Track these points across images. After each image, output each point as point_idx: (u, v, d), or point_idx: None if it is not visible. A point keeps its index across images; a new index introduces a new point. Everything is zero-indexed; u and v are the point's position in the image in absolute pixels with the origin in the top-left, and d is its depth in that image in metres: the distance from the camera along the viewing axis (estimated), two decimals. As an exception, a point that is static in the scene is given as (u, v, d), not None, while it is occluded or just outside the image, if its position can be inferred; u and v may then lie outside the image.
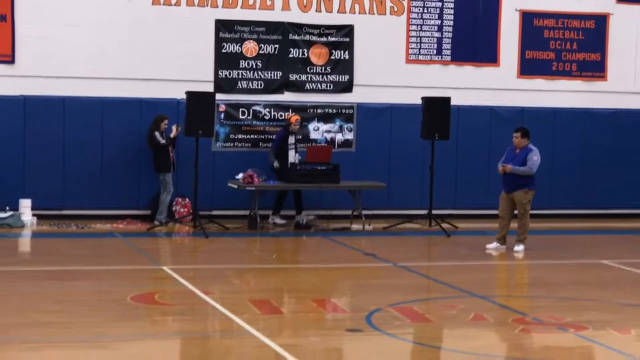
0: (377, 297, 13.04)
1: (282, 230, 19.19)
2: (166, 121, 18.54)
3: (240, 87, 19.92)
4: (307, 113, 19.97)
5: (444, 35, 20.74)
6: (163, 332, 11.38)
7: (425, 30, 20.65)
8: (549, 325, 11.82)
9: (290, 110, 19.90)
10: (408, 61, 20.56)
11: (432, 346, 11.12)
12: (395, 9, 20.45)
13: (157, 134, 18.38)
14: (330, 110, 20.27)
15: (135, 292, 12.88)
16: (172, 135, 18.54)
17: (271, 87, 20.09)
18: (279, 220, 19.55)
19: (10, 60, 18.78)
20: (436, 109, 19.17)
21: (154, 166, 18.58)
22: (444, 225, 18.94)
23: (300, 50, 20.14)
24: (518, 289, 15.10)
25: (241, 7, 19.79)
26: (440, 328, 11.85)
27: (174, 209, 19.14)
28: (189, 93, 18.35)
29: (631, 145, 21.22)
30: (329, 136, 20.19)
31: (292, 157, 19.14)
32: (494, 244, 16.94)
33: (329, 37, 20.22)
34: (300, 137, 19.63)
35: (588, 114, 21.03)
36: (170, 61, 19.15)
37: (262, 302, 12.55)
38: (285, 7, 20.01)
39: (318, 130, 20.18)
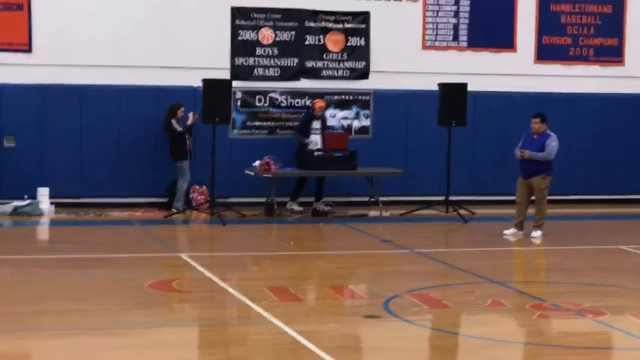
0: (395, 283, 13.05)
1: (299, 218, 19.22)
2: (182, 109, 18.57)
3: (257, 74, 19.94)
4: (323, 100, 19.91)
5: (460, 22, 20.72)
6: (181, 319, 11.40)
7: (441, 17, 20.63)
8: (567, 311, 11.82)
9: (307, 97, 19.87)
10: (424, 47, 20.55)
11: (450, 332, 11.12)
12: (411, -5, 20.48)
13: (173, 121, 18.42)
14: (346, 97, 20.28)
15: (153, 280, 12.91)
16: (188, 122, 18.57)
17: (287, 74, 20.10)
18: (296, 207, 19.57)
19: (28, 49, 18.81)
20: (453, 96, 19.17)
21: (171, 154, 18.63)
22: (461, 211, 18.97)
23: (317, 37, 20.13)
24: (536, 274, 15.10)
25: (257, -5, 19.83)
26: (458, 314, 11.86)
27: (191, 196, 19.17)
28: (205, 80, 18.33)
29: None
30: (345, 123, 20.21)
31: (316, 143, 19.11)
32: (512, 230, 16.93)
33: (345, 23, 20.21)
34: (323, 123, 19.58)
35: (606, 100, 20.99)
36: (187, 49, 19.17)
37: (279, 289, 12.56)
38: (302, -5, 20.05)
39: (335, 117, 20.19)
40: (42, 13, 18.73)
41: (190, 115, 18.56)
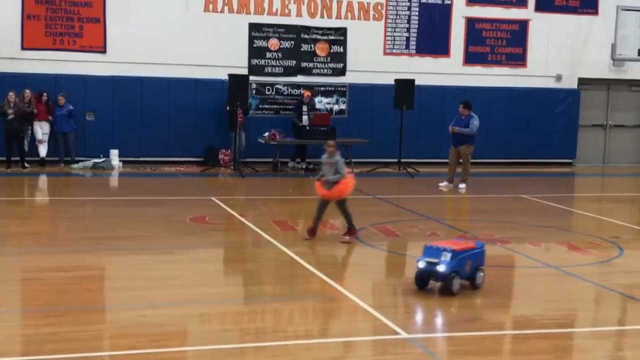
0: (362, 219, 13.05)
1: (295, 173, 19.23)
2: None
3: (267, 71, 19.84)
4: (313, 90, 19.86)
5: (410, 35, 20.62)
6: (212, 243, 11.45)
7: (397, 32, 20.51)
8: (484, 240, 11.82)
9: (302, 88, 19.82)
10: (385, 53, 20.45)
11: (400, 254, 11.22)
12: (376, 15, 20.30)
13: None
14: (329, 88, 20.21)
15: (192, 215, 12.95)
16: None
17: (288, 71, 20.01)
18: (295, 165, 19.59)
19: (103, 50, 18.72)
20: (404, 88, 19.12)
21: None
22: (409, 169, 18.95)
23: (309, 45, 20.03)
24: (461, 214, 15.17)
25: (267, 14, 19.63)
26: (406, 241, 11.96)
27: (220, 157, 19.10)
28: (230, 75, 18.27)
29: (543, 113, 21.17)
30: (328, 107, 20.15)
31: (305, 121, 19.08)
32: (445, 183, 16.95)
33: (329, 36, 20.10)
34: (310, 107, 19.49)
35: (513, 91, 20.97)
36: (217, 52, 19.05)
37: (281, 222, 12.64)
38: (299, 14, 19.86)
39: (321, 103, 20.12)
40: (114, 24, 18.61)
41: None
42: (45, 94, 18.02)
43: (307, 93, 19.49)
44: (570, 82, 21.63)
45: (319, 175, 11.31)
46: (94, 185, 16.98)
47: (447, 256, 8.64)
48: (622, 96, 22.40)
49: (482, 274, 8.97)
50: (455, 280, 8.64)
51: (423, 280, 8.84)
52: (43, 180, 17.28)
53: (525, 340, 7.64)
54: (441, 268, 8.57)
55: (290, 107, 19.86)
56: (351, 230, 11.27)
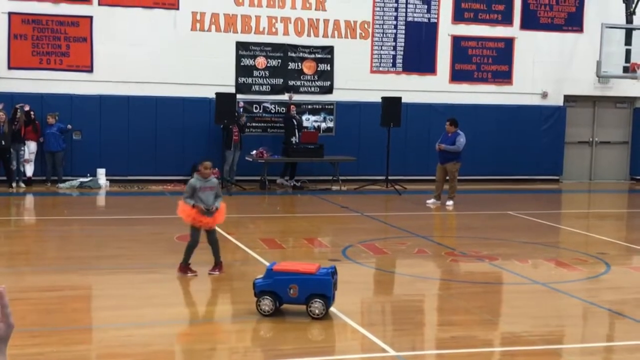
0: (350, 236, 13.10)
1: (283, 190, 19.20)
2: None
3: (254, 89, 19.85)
4: (300, 108, 19.86)
5: (397, 54, 20.68)
6: (199, 262, 11.37)
7: (384, 50, 20.58)
8: (471, 257, 11.93)
9: (285, 106, 19.90)
10: (372, 72, 20.49)
11: (388, 271, 11.23)
12: (363, 34, 20.36)
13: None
14: (317, 106, 20.22)
15: (179, 234, 12.86)
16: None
17: (275, 89, 20.00)
18: (284, 182, 19.56)
19: (90, 69, 18.69)
20: (391, 106, 19.15)
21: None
22: (397, 186, 18.95)
23: (296, 64, 20.05)
24: (449, 231, 15.19)
25: (254, 33, 19.64)
26: (394, 259, 11.97)
27: (206, 175, 19.10)
28: (217, 94, 18.26)
29: (529, 130, 21.22)
30: (316, 124, 20.16)
31: (296, 137, 19.14)
32: (432, 200, 16.96)
33: (316, 54, 20.14)
34: (298, 125, 19.48)
35: (499, 108, 21.03)
36: (204, 71, 19.04)
37: (269, 240, 12.61)
38: (285, 32, 19.88)
39: (309, 120, 20.12)
40: (100, 44, 18.58)
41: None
42: (32, 113, 17.96)
43: (292, 107, 19.50)
44: (556, 99, 21.72)
45: (192, 201, 10.08)
46: (81, 204, 16.91)
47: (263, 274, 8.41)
48: (607, 113, 22.52)
49: (319, 302, 8.18)
50: (264, 301, 8.24)
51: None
52: (30, 199, 17.22)
53: (512, 357, 7.66)
54: (256, 283, 8.37)
55: (277, 124, 19.85)
56: (220, 264, 10.35)
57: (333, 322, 8.42)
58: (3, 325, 2.29)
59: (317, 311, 8.24)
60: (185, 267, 10.08)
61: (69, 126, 18.07)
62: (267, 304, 8.29)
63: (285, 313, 8.46)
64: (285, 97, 19.95)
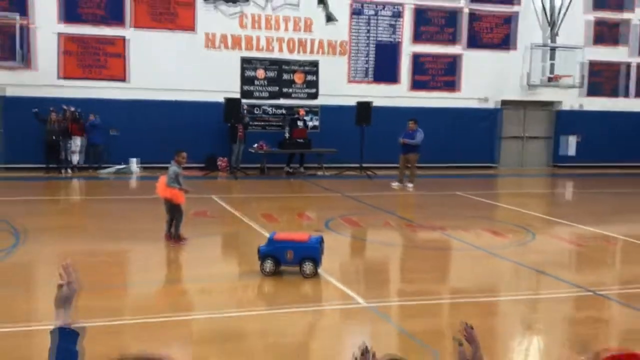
0: (331, 212, 13.14)
1: (279, 175, 19.18)
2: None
3: (255, 95, 19.78)
4: (292, 110, 19.85)
5: (369, 67, 20.65)
6: (211, 232, 11.45)
7: (359, 64, 20.56)
8: (427, 228, 12.00)
9: (283, 109, 19.84)
10: (349, 81, 20.46)
11: (361, 239, 11.28)
12: (342, 51, 20.30)
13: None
14: (305, 109, 20.16)
15: (195, 210, 12.91)
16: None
17: (273, 95, 19.96)
18: (287, 169, 19.37)
19: (124, 79, 18.58)
20: (364, 108, 19.16)
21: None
22: (368, 172, 19.00)
23: (289, 75, 19.99)
24: (409, 208, 15.23)
25: (255, 50, 19.54)
26: (366, 229, 12.00)
27: (218, 163, 19.07)
28: (226, 98, 18.24)
29: (473, 127, 21.29)
30: (305, 123, 20.10)
31: (286, 134, 19.19)
32: (396, 183, 16.98)
33: (305, 67, 20.09)
34: (303, 123, 19.51)
35: (449, 110, 21.04)
36: (215, 80, 18.94)
37: (267, 215, 12.63)
38: (280, 50, 19.80)
39: (299, 120, 20.08)
40: (133, 58, 18.46)
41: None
42: (77, 113, 17.84)
43: (301, 111, 19.53)
44: (494, 103, 21.75)
45: (178, 185, 10.24)
46: (117, 186, 16.84)
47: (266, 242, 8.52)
48: (534, 114, 22.60)
49: (309, 264, 8.30)
50: (267, 263, 8.36)
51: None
52: (76, 183, 17.15)
53: (458, 307, 7.72)
54: (260, 249, 8.47)
55: (275, 124, 19.82)
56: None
57: (319, 279, 8.48)
58: (66, 288, 2.32)
59: (308, 271, 8.33)
60: (178, 239, 10.06)
61: (112, 131, 18.14)
62: (268, 265, 8.39)
63: (283, 273, 8.51)
64: (280, 101, 19.94)
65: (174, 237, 10.08)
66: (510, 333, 7.08)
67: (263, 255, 8.42)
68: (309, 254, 8.37)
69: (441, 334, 6.92)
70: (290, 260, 8.38)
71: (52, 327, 2.21)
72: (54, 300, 2.28)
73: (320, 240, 8.57)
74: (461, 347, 2.02)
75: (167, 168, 11.02)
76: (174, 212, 10.19)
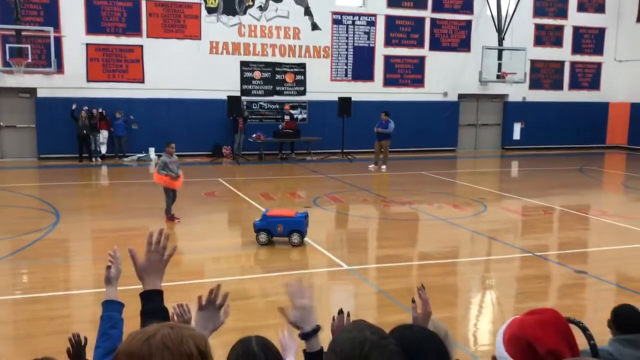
0: (318, 191, 13.18)
1: (274, 159, 19.16)
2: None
3: (253, 93, 19.68)
4: (290, 105, 19.75)
5: (348, 67, 20.58)
6: (218, 210, 11.46)
7: (339, 65, 20.48)
8: (398, 203, 12.05)
9: (277, 104, 19.74)
10: (331, 80, 20.40)
11: (344, 213, 11.31)
12: (325, 55, 20.18)
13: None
14: (295, 104, 20.11)
15: (206, 190, 12.93)
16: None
17: (267, 93, 19.86)
18: (282, 155, 19.29)
19: (142, 81, 18.44)
20: (345, 103, 19.10)
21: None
22: (349, 156, 19.01)
23: (281, 75, 19.90)
24: (383, 186, 15.26)
25: (252, 55, 19.39)
26: (347, 205, 12.01)
27: (223, 151, 18.99)
28: (228, 96, 18.12)
29: (435, 117, 21.34)
30: (295, 116, 20.04)
31: (281, 125, 19.07)
32: (372, 165, 17.04)
33: (294, 68, 19.99)
34: (290, 116, 19.43)
35: (416, 103, 21.06)
36: (219, 80, 18.85)
37: (265, 194, 12.64)
38: (274, 54, 19.64)
39: (287, 114, 20.03)
40: (149, 63, 18.32)
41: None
42: (103, 111, 17.78)
43: (287, 107, 19.38)
44: (453, 97, 21.78)
45: (165, 171, 9.99)
46: (138, 172, 16.75)
47: (260, 218, 8.56)
48: (486, 105, 22.65)
49: (297, 236, 8.36)
50: (261, 235, 8.42)
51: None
52: (104, 169, 17.07)
53: (424, 268, 7.81)
54: (256, 224, 8.53)
55: (270, 117, 19.75)
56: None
57: (307, 247, 8.53)
58: (114, 270, 2.39)
59: (295, 241, 8.42)
60: (171, 217, 10.02)
61: (131, 117, 18.05)
62: (263, 237, 8.47)
63: (275, 243, 8.56)
64: (274, 98, 19.87)
65: (167, 215, 10.03)
66: (467, 289, 7.18)
67: (258, 229, 8.51)
68: (296, 227, 8.45)
69: (411, 292, 7.00)
70: (280, 232, 8.46)
71: (103, 299, 2.30)
72: (104, 279, 2.39)
73: (306, 215, 8.64)
74: (413, 304, 2.12)
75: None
76: (166, 194, 10.12)
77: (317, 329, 2.07)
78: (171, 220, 9.99)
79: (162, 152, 10.62)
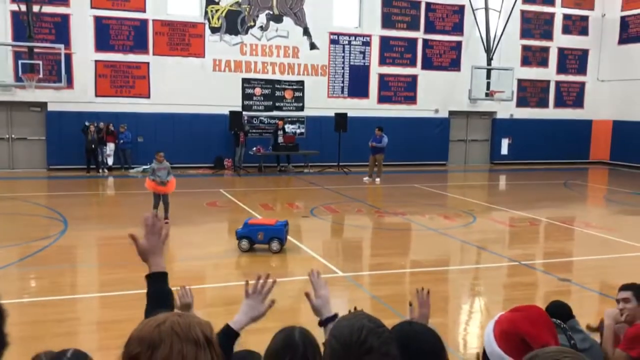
0: (315, 201, 13.18)
1: (273, 171, 19.16)
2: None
3: (254, 108, 19.71)
4: (284, 121, 19.76)
5: (344, 85, 20.65)
6: (220, 219, 11.43)
7: (336, 83, 20.54)
8: (392, 214, 12.05)
9: (276, 119, 19.76)
10: (328, 97, 20.46)
11: (339, 223, 11.30)
12: (323, 73, 20.26)
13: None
14: (294, 119, 20.17)
15: (208, 201, 12.93)
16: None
17: (267, 108, 19.90)
18: (281, 167, 19.22)
19: (148, 96, 18.48)
20: (341, 118, 19.13)
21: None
22: (345, 169, 19.01)
23: (281, 92, 19.96)
24: (377, 197, 15.26)
25: (253, 72, 19.46)
26: (343, 215, 12.01)
27: (224, 163, 18.99)
28: (230, 111, 18.14)
29: (427, 133, 21.35)
30: (294, 131, 20.06)
31: (280, 139, 19.04)
32: (367, 178, 17.06)
33: (293, 85, 20.06)
34: (283, 131, 19.40)
35: (408, 119, 21.10)
36: (222, 97, 18.89)
37: (264, 204, 12.65)
38: (273, 72, 19.71)
39: (289, 128, 20.06)
40: (155, 80, 18.35)
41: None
42: (111, 125, 17.80)
43: (280, 122, 19.44)
44: (444, 113, 21.84)
45: (153, 177, 10.44)
46: (143, 183, 16.67)
47: (241, 226, 8.60)
48: (476, 122, 22.63)
49: (276, 243, 8.43)
50: (243, 242, 8.47)
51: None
52: (110, 180, 17.05)
53: (416, 275, 7.81)
54: (238, 232, 8.58)
55: (270, 131, 19.72)
56: (167, 217, 10.43)
57: (304, 255, 8.52)
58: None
59: (275, 248, 8.52)
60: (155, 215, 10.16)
61: (139, 138, 18.10)
62: (244, 244, 8.55)
63: (257, 250, 8.55)
64: (273, 113, 19.92)
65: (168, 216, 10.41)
66: (457, 295, 7.18)
67: (240, 236, 8.57)
68: (275, 235, 8.52)
69: (403, 297, 7.00)
70: (260, 239, 8.51)
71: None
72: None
73: (285, 224, 8.73)
74: (411, 307, 2.17)
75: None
76: (154, 198, 10.53)
77: (334, 316, 2.14)
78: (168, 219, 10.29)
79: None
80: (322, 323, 2.17)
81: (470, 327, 6.16)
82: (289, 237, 9.33)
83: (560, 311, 3.71)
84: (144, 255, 2.09)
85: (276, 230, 8.52)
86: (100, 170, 17.62)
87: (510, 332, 1.64)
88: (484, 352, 1.69)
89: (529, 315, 1.67)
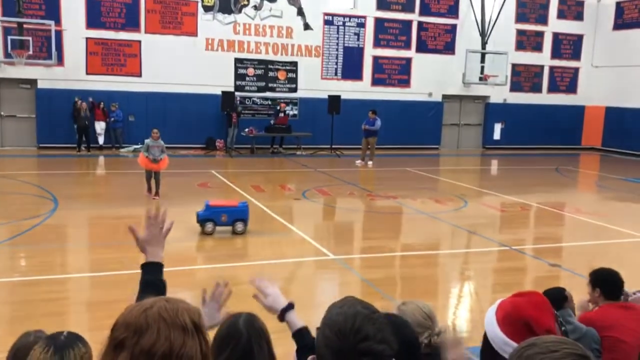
0: (307, 183, 13.17)
1: (265, 153, 19.11)
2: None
3: (247, 89, 19.59)
4: (276, 102, 19.69)
5: (338, 67, 20.54)
6: (211, 199, 11.40)
7: (330, 64, 20.44)
8: (383, 197, 12.06)
9: (269, 100, 19.65)
10: (322, 78, 20.35)
11: (331, 206, 11.32)
12: (316, 54, 20.13)
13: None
14: (287, 100, 20.05)
15: (199, 182, 12.88)
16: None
17: (260, 89, 19.79)
18: (273, 150, 19.20)
19: (139, 75, 18.30)
20: (334, 100, 19.06)
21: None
22: (337, 152, 19.00)
23: (274, 72, 19.83)
24: (369, 181, 15.25)
25: (246, 52, 19.30)
26: (335, 198, 12.00)
27: (216, 144, 18.89)
28: (223, 92, 17.98)
29: (420, 116, 21.30)
30: (287, 112, 19.97)
31: (272, 121, 18.98)
32: (359, 161, 17.06)
33: (287, 66, 19.92)
34: (284, 112, 19.36)
35: (402, 103, 21.06)
36: (214, 76, 18.75)
37: (256, 186, 12.62)
38: (267, 52, 19.56)
39: (281, 112, 19.95)
40: (146, 58, 18.16)
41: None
42: (102, 103, 17.64)
43: (282, 104, 19.29)
44: (437, 97, 21.81)
45: (147, 154, 10.66)
46: (134, 162, 16.63)
47: (204, 208, 8.43)
48: (469, 106, 22.74)
49: (241, 224, 8.37)
50: (207, 225, 8.32)
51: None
52: (101, 159, 16.94)
53: (407, 258, 7.85)
54: (199, 214, 8.43)
55: (262, 112, 19.65)
56: (157, 192, 10.78)
57: (295, 237, 8.53)
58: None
59: (239, 230, 8.42)
60: (149, 190, 10.87)
61: (130, 117, 17.93)
62: (209, 227, 8.38)
63: (264, 233, 8.55)
64: (267, 94, 19.80)
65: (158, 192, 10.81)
66: (447, 279, 7.24)
67: (202, 219, 8.35)
68: (240, 216, 8.42)
69: (393, 281, 7.05)
70: (224, 222, 8.36)
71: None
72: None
73: (247, 205, 8.62)
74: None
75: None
76: (146, 174, 10.94)
77: (289, 306, 2.12)
78: (149, 193, 10.69)
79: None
80: (281, 317, 2.13)
81: (459, 310, 6.22)
82: (280, 220, 9.36)
83: (552, 299, 3.76)
84: (143, 245, 2.06)
85: (240, 212, 8.41)
86: (91, 150, 17.47)
87: (514, 316, 1.67)
88: (485, 337, 1.71)
89: (531, 300, 1.70)
